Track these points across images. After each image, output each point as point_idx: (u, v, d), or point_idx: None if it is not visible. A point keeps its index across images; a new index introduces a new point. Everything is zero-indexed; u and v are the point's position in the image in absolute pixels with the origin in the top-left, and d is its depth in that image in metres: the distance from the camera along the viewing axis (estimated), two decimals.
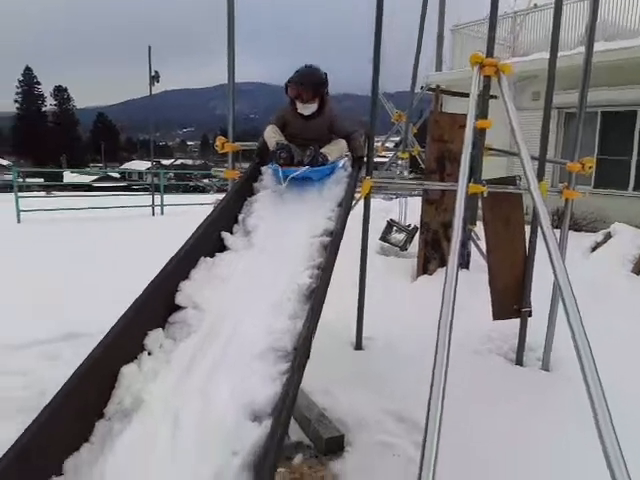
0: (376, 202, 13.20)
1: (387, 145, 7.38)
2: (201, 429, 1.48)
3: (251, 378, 1.64)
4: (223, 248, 2.49)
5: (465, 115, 2.93)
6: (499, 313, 3.75)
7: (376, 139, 3.94)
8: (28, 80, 59.74)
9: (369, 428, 2.88)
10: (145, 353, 1.80)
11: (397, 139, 7.57)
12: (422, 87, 6.72)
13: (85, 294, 4.45)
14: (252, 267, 2.25)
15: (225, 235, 2.50)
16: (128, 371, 1.69)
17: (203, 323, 1.97)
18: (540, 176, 3.56)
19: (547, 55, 3.54)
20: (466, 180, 2.47)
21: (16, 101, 58.94)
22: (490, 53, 3.46)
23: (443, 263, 6.09)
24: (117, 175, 41.82)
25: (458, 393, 3.31)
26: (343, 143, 3.09)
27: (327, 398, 3.20)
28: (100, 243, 7.24)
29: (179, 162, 58.71)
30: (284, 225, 2.54)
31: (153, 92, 14.31)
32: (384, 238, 7.22)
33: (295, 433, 2.95)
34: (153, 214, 11.34)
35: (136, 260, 2.79)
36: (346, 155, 3.26)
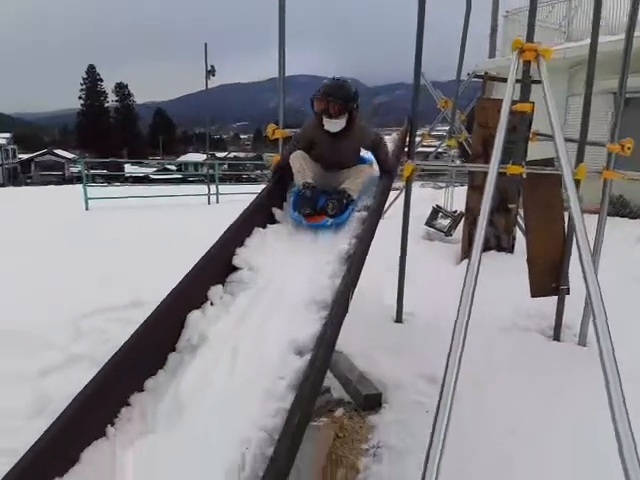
0: (424, 191, 13.29)
1: (433, 134, 7.50)
2: (254, 360, 1.79)
3: (296, 322, 1.93)
4: (274, 221, 2.83)
5: (512, 102, 3.06)
6: (537, 291, 3.87)
7: (421, 130, 4.13)
8: (91, 77, 62.74)
9: (404, 389, 3.13)
10: (208, 303, 2.14)
11: (447, 128, 7.66)
12: (469, 74, 6.78)
13: (150, 268, 4.90)
14: (297, 236, 2.55)
15: (275, 210, 2.83)
16: (194, 316, 2.02)
17: (256, 281, 2.28)
18: (580, 159, 3.65)
19: (601, 40, 3.59)
20: (497, 162, 2.64)
21: (80, 98, 62.12)
22: (530, 38, 3.56)
23: (488, 247, 6.19)
24: (174, 167, 43.49)
25: (497, 364, 3.52)
26: (366, 170, 2.93)
27: (367, 363, 3.46)
28: (161, 226, 7.79)
29: (232, 155, 60.29)
30: None
31: (210, 86, 14.88)
32: (429, 223, 7.36)
33: (337, 391, 3.25)
34: (209, 202, 11.94)
35: (195, 240, 3.07)
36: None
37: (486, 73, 6.51)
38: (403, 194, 4.06)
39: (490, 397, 3.06)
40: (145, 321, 1.88)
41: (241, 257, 2.42)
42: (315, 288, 2.15)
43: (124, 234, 7.20)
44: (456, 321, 2.02)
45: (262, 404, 1.57)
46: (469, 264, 2.20)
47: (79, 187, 13.33)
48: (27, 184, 35.79)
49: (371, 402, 3.03)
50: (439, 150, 8.81)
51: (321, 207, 2.70)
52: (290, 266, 2.38)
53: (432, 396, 3.04)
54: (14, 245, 6.49)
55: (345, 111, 2.73)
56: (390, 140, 3.58)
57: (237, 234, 2.54)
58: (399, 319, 4.22)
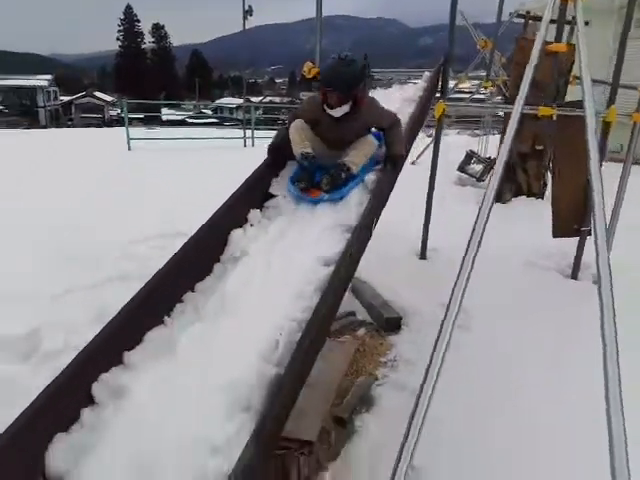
0: (461, 138, 13.12)
1: (472, 76, 7.38)
2: (287, 269, 2.06)
3: (324, 241, 2.19)
4: None
5: (551, 42, 3.10)
6: (559, 231, 4.01)
7: (455, 74, 4.16)
8: (129, 18, 62.25)
9: (423, 315, 3.41)
10: (248, 224, 2.41)
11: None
12: (511, 13, 6.58)
13: (190, 202, 5.24)
14: None
15: None
16: (236, 234, 2.31)
17: (289, 208, 2.54)
18: (612, 101, 3.66)
19: None
20: (522, 103, 2.73)
21: (118, 39, 61.96)
22: None
23: (518, 193, 6.25)
24: (210, 111, 43.67)
25: (514, 296, 3.74)
26: (369, 141, 2.65)
27: (391, 293, 3.74)
28: (201, 165, 8.12)
29: (268, 99, 59.67)
30: None
31: (246, 27, 14.72)
32: (462, 169, 7.40)
33: (361, 314, 3.56)
34: (245, 145, 12.17)
35: (233, 178, 3.27)
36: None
37: (528, 12, 6.31)
38: (445, 139, 4.18)
39: (503, 326, 3.30)
40: (195, 234, 2.17)
41: (276, 187, 2.67)
42: (342, 215, 2.38)
43: (165, 171, 7.58)
44: (464, 257, 2.21)
45: (293, 302, 1.86)
46: (483, 201, 2.37)
47: (118, 130, 13.74)
48: (68, 126, 36.72)
49: (392, 324, 3.32)
50: (480, 96, 8.65)
51: (318, 181, 2.52)
52: None
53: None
54: (71, 180, 6.97)
55: (347, 99, 2.49)
56: (421, 83, 3.66)
57: (272, 169, 2.78)
58: (423, 256, 4.45)
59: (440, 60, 3.78)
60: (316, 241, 2.22)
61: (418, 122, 3.22)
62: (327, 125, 2.64)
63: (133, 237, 4.30)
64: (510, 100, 5.84)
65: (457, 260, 4.53)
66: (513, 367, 2.89)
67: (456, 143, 9.85)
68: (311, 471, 2.10)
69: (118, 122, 34.44)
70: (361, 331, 3.33)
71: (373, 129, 2.74)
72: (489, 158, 7.37)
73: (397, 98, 3.40)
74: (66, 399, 1.56)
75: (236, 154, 10.19)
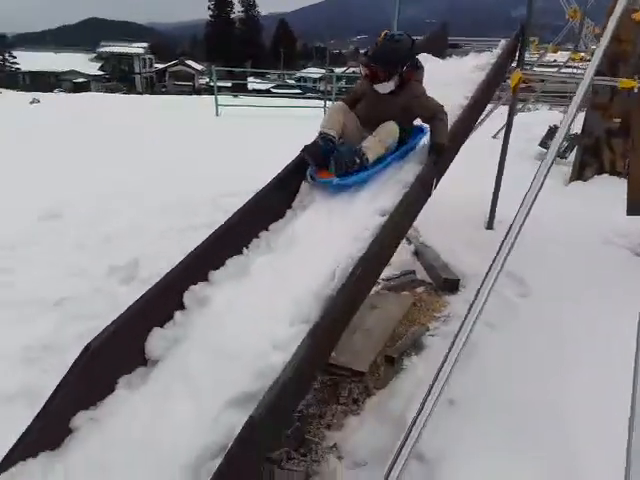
0: (551, 114, 12.48)
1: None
2: (347, 217, 2.32)
3: (382, 195, 2.42)
4: None
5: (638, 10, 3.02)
6: (633, 209, 3.92)
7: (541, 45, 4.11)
8: None
9: (481, 278, 3.53)
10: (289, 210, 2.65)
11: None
12: None
13: (272, 161, 5.61)
14: None
15: None
16: (305, 186, 2.58)
17: None
18: None
19: None
20: (592, 72, 2.70)
21: (209, 8, 63.58)
22: None
23: (601, 171, 6.02)
24: (293, 82, 44.12)
25: (577, 275, 3.75)
26: (391, 127, 2.55)
27: (452, 257, 3.89)
28: (280, 131, 8.48)
29: (351, 70, 59.20)
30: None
31: None
32: (544, 144, 7.18)
33: (422, 275, 3.75)
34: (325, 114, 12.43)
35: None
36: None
37: None
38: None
39: (564, 298, 3.34)
40: (268, 184, 2.47)
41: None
42: (402, 174, 2.57)
43: (249, 136, 8.05)
44: (512, 223, 2.31)
45: (350, 243, 2.11)
46: (538, 169, 2.43)
47: (207, 97, 14.46)
48: (162, 93, 38.77)
49: (449, 285, 3.49)
50: (569, 70, 8.23)
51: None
52: None
53: (504, 285, 3.44)
54: (168, 139, 7.67)
55: (393, 75, 2.50)
56: (496, 51, 3.68)
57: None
58: (490, 226, 4.51)
59: (517, 28, 3.75)
60: (375, 194, 2.44)
61: (488, 90, 3.28)
62: (369, 101, 2.67)
63: (220, 191, 4.73)
64: (598, 74, 5.56)
65: (525, 233, 4.57)
66: (567, 340, 2.96)
67: (545, 119, 9.48)
68: (360, 395, 2.39)
69: (207, 91, 35.82)
70: (420, 289, 3.53)
71: (420, 122, 2.71)
72: (575, 134, 7.08)
73: (469, 66, 3.47)
74: (163, 303, 1.95)
75: (315, 122, 10.51)
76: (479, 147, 6.59)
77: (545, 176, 2.41)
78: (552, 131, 7.16)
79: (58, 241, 3.63)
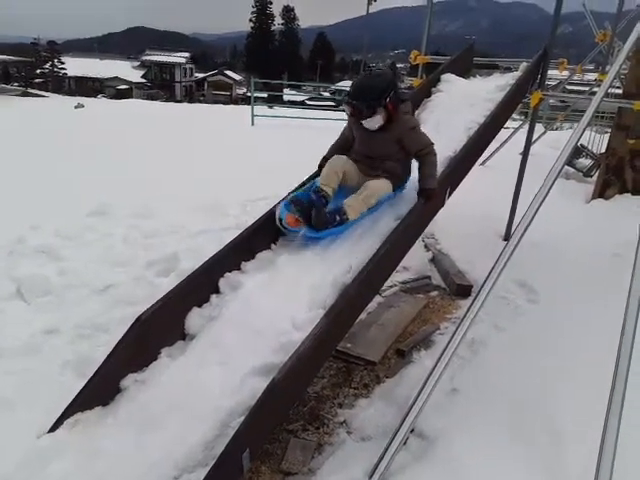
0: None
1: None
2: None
3: (400, 203, 2.67)
4: None
5: None
6: None
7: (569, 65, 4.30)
8: (262, 0, 65.20)
9: (495, 286, 3.72)
10: None
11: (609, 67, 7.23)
12: (638, 5, 6.31)
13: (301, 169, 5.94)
14: None
15: None
16: None
17: None
18: None
19: None
20: (602, 94, 2.88)
21: (250, 20, 65.22)
22: None
23: (624, 190, 6.10)
24: (328, 95, 44.76)
25: (587, 285, 3.89)
26: (378, 186, 2.52)
27: (468, 266, 4.09)
28: (311, 142, 8.82)
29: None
30: (447, 119, 3.39)
31: (370, 11, 15.12)
32: (570, 162, 7.27)
33: (436, 280, 3.97)
34: None
35: None
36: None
37: None
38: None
39: (571, 305, 3.51)
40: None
41: None
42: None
43: (281, 146, 8.41)
44: (513, 231, 2.54)
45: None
46: (546, 177, 2.65)
47: (244, 107, 15.00)
48: (200, 101, 39.93)
49: (462, 290, 3.70)
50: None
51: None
52: None
53: (516, 294, 3.64)
54: (205, 145, 8.13)
55: (375, 110, 2.46)
56: (516, 73, 3.88)
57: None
58: (507, 238, 4.69)
59: (541, 49, 3.93)
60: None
61: (506, 109, 3.50)
62: (362, 139, 2.65)
63: (251, 197, 5.07)
64: (624, 97, 5.69)
65: (540, 246, 4.76)
66: (570, 343, 3.13)
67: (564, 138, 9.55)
68: (370, 381, 2.64)
69: (244, 101, 36.76)
70: (434, 293, 3.75)
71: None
72: (600, 154, 7.16)
73: (492, 86, 3.69)
74: (201, 287, 2.25)
75: None
76: (505, 163, 6.78)
77: (550, 188, 2.63)
78: (579, 150, 7.25)
79: (104, 236, 4.01)
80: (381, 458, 1.92)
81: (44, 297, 2.97)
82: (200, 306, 2.21)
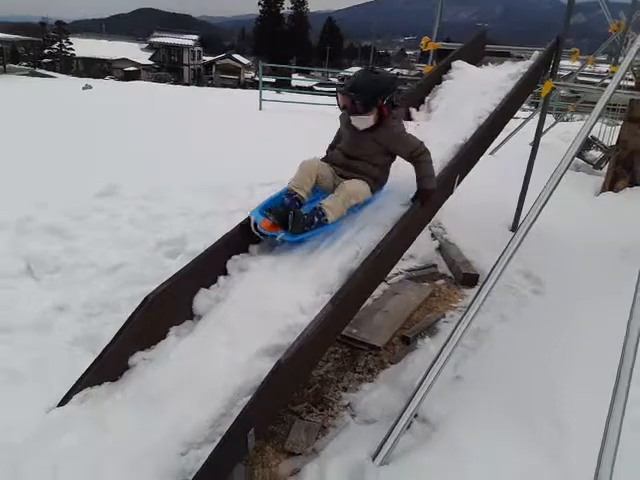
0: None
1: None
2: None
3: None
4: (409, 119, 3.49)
5: None
6: None
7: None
8: None
9: (501, 276, 3.73)
10: None
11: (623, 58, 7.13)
12: None
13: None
14: (428, 129, 3.19)
15: (412, 109, 3.48)
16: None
17: None
18: None
19: None
20: (614, 85, 2.84)
21: (259, 3, 64.41)
22: None
23: (633, 183, 6.06)
24: (336, 81, 44.44)
25: (594, 279, 3.88)
26: (357, 188, 2.41)
27: (474, 255, 4.09)
28: (318, 127, 8.79)
29: (395, 72, 59.12)
30: (457, 106, 3.37)
31: None
32: (579, 154, 7.22)
33: (442, 269, 3.98)
34: None
35: None
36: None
37: None
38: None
39: (577, 297, 3.51)
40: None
41: None
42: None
43: (290, 130, 8.39)
44: (521, 222, 2.53)
45: (374, 229, 2.39)
46: (555, 170, 2.63)
47: (252, 91, 14.95)
48: (208, 85, 39.74)
49: (468, 279, 3.71)
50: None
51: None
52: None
53: (521, 284, 3.64)
54: (213, 131, 8.11)
55: (370, 107, 2.36)
56: (528, 61, 3.84)
57: None
58: (514, 229, 4.68)
59: (554, 39, 3.88)
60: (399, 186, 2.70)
61: (516, 98, 3.47)
62: (346, 139, 2.57)
63: (258, 180, 5.06)
64: (636, 88, 5.62)
65: (548, 238, 4.74)
66: (572, 333, 3.13)
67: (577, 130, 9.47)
68: (375, 366, 2.66)
69: (251, 85, 36.54)
70: (440, 281, 3.76)
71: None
72: (611, 146, 7.10)
73: (504, 74, 3.65)
74: (209, 268, 2.27)
75: None
76: (514, 153, 6.74)
77: (559, 179, 2.62)
78: (589, 142, 7.19)
79: (113, 216, 4.02)
80: (385, 440, 1.95)
81: (53, 275, 3.00)
82: (208, 287, 2.23)
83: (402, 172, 2.62)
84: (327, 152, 2.76)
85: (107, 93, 14.20)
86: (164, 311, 2.10)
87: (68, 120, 8.51)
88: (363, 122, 2.43)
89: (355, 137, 2.51)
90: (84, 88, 15.08)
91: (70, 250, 3.29)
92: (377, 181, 2.54)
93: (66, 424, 1.78)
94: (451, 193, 2.93)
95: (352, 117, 2.43)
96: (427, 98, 3.58)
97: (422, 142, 2.49)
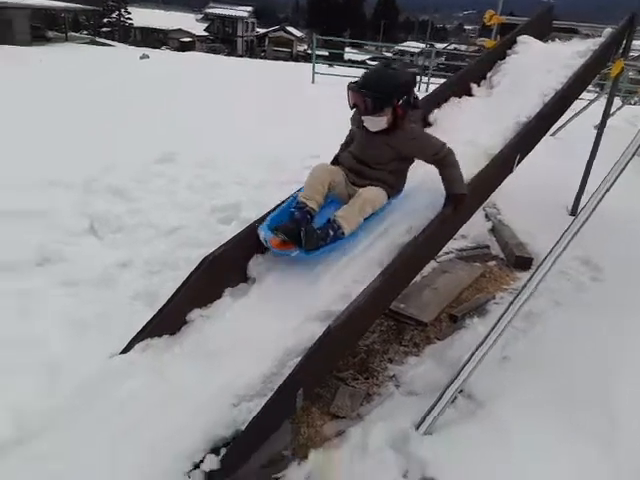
0: None
1: None
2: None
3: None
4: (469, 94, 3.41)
5: None
6: None
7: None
8: None
9: (555, 263, 3.62)
10: None
11: None
12: None
13: None
14: (487, 105, 3.11)
15: (472, 85, 3.38)
16: None
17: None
18: None
19: None
20: None
21: None
22: None
23: None
24: (390, 55, 43.50)
25: None
26: (373, 194, 2.24)
27: (529, 238, 3.98)
28: None
29: (452, 47, 57.04)
30: (521, 82, 3.25)
31: None
32: None
33: (495, 250, 3.90)
34: (419, 89, 12.38)
35: None
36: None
37: None
38: None
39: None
40: None
41: (435, 115, 3.13)
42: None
43: (342, 103, 8.31)
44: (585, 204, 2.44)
45: (427, 207, 2.37)
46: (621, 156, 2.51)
47: (303, 65, 14.89)
48: (261, 57, 39.72)
49: (522, 262, 3.62)
50: None
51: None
52: (474, 124, 3.01)
53: (578, 271, 3.53)
54: (266, 102, 8.19)
55: (383, 107, 2.16)
56: (599, 39, 3.64)
57: (434, 99, 3.22)
58: (574, 213, 4.51)
59: (628, 16, 3.66)
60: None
61: (584, 78, 3.30)
62: (358, 141, 2.39)
63: (309, 152, 5.07)
64: None
65: (609, 224, 4.56)
66: (629, 324, 3.02)
67: None
68: (421, 341, 2.68)
69: (304, 58, 36.29)
70: (491, 263, 3.70)
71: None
72: None
73: (570, 52, 3.48)
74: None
75: None
76: (577, 135, 6.45)
77: (626, 164, 2.51)
78: None
79: (171, 182, 4.17)
80: (429, 411, 1.98)
81: (116, 234, 3.16)
82: (263, 253, 2.29)
83: None
84: (339, 151, 2.60)
85: (163, 63, 14.50)
86: (221, 272, 2.18)
87: (127, 88, 8.77)
88: (375, 123, 2.22)
89: (368, 140, 2.32)
90: (141, 57, 15.40)
91: (132, 211, 3.45)
92: (394, 188, 2.37)
93: (128, 370, 1.91)
94: (510, 172, 2.86)
95: (364, 117, 2.24)
96: (489, 74, 3.47)
97: (444, 143, 2.28)
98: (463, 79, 3.42)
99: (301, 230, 2.08)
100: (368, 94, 2.15)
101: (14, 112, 6.16)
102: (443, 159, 2.26)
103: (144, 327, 2.07)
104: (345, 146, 2.58)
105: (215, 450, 1.66)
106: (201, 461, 1.62)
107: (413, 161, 2.41)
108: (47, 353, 2.14)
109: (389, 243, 2.25)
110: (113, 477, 1.57)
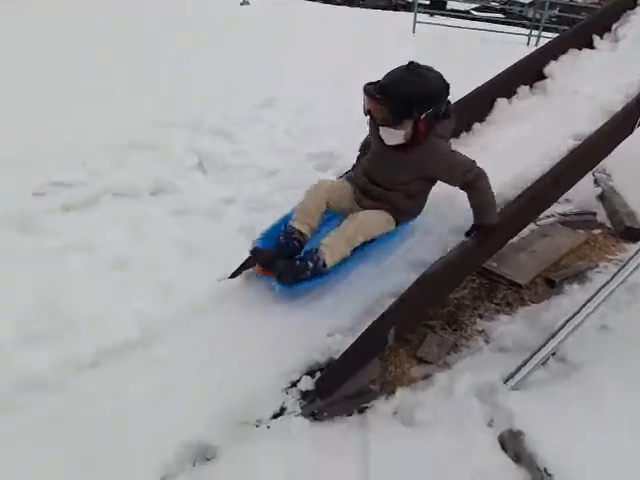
0: None
1: None
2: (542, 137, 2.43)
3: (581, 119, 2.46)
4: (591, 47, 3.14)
5: None
6: None
7: None
8: None
9: None
10: (514, 97, 2.79)
11: None
12: None
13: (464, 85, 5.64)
14: (610, 59, 2.87)
15: (595, 37, 3.11)
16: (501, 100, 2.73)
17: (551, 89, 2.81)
18: None
19: None
20: None
21: None
22: None
23: None
24: (497, 4, 40.19)
25: None
26: (372, 219, 1.99)
27: None
28: (478, 57, 8.18)
29: None
30: None
31: None
32: None
33: (601, 218, 3.65)
34: (528, 44, 11.43)
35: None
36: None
37: None
38: None
39: None
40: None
41: (549, 68, 2.92)
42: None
43: (447, 56, 7.88)
44: None
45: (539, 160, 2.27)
46: None
47: (403, 14, 14.24)
48: (359, 5, 38.42)
49: (631, 233, 3.36)
50: None
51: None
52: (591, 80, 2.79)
53: None
54: (363, 54, 7.97)
55: (402, 119, 1.84)
56: None
57: (550, 50, 3.00)
58: None
59: None
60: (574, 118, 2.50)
61: None
62: (373, 154, 2.10)
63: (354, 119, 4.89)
64: None
65: None
66: None
67: None
68: (514, 301, 2.64)
69: (403, 7, 34.54)
70: (596, 231, 3.47)
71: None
72: None
73: None
74: None
75: (517, 50, 9.79)
76: None
77: None
78: None
79: (269, 126, 4.28)
80: (519, 369, 1.97)
81: (221, 172, 3.34)
82: None
83: None
84: (359, 153, 2.37)
85: (264, 10, 14.48)
86: None
87: (229, 34, 8.91)
88: (391, 137, 1.90)
89: (383, 154, 2.01)
90: (242, 4, 15.48)
91: (235, 151, 3.62)
92: (408, 214, 2.12)
93: (235, 293, 2.07)
94: (630, 133, 2.64)
95: (380, 128, 1.92)
96: (615, 25, 3.15)
97: (474, 161, 1.96)
98: (585, 30, 3.15)
99: (277, 261, 1.90)
100: (385, 102, 1.83)
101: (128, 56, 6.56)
102: (474, 181, 1.95)
103: (248, 258, 2.21)
104: (363, 149, 2.33)
105: (311, 373, 1.78)
106: (298, 381, 1.76)
107: (435, 182, 2.10)
108: (161, 273, 2.36)
109: None
110: (220, 384, 1.74)
